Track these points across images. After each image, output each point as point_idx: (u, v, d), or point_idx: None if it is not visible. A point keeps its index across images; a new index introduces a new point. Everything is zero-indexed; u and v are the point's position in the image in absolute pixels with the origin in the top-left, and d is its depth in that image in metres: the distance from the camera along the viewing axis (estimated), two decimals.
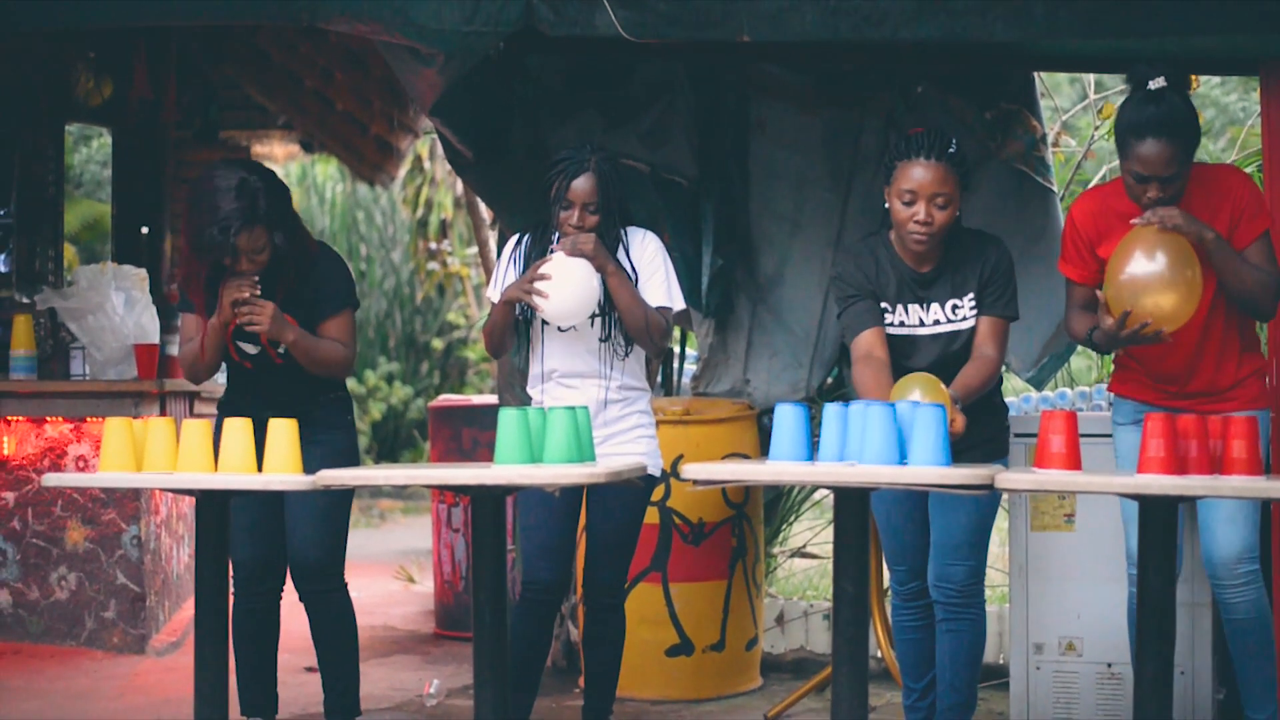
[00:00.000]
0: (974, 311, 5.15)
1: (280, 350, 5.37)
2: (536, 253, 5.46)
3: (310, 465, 5.00)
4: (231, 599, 5.53)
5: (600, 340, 5.40)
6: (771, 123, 6.96)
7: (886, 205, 5.13)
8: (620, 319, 5.36)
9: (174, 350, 8.10)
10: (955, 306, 5.16)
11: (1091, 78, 9.34)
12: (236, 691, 5.52)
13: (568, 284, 5.22)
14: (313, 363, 5.39)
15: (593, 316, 5.36)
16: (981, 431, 5.09)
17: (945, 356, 5.15)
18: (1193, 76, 8.86)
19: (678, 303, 5.47)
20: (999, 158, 6.73)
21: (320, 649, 5.57)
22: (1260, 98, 5.72)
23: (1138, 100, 4.90)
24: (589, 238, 5.27)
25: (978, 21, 5.39)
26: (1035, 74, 6.90)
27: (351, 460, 5.51)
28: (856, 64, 6.73)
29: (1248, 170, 8.28)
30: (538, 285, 5.21)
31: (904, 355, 5.16)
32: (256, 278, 5.27)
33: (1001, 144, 6.72)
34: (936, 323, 5.16)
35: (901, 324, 5.18)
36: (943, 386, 4.81)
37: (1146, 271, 4.79)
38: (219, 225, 5.16)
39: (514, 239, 5.62)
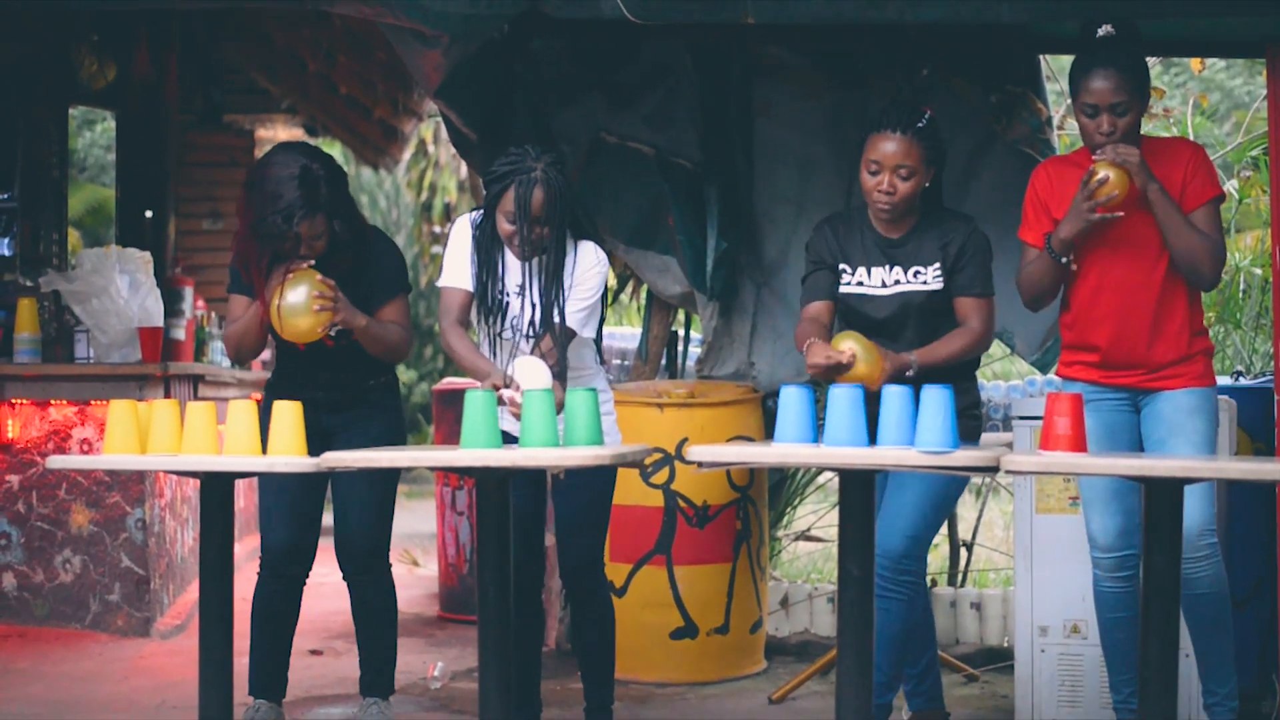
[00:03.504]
0: (937, 278, 5.22)
1: (332, 334, 5.36)
2: (488, 242, 5.30)
3: (360, 447, 5.10)
4: (256, 580, 5.58)
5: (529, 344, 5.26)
6: (776, 105, 6.95)
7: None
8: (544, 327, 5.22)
9: (178, 334, 8.14)
10: (917, 272, 5.24)
11: None
12: (247, 672, 5.53)
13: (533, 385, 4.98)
14: (379, 348, 5.41)
15: (530, 333, 5.25)
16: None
17: (900, 316, 5.23)
18: (1196, 59, 8.89)
19: (586, 330, 5.28)
20: (1004, 140, 6.72)
21: (361, 628, 5.61)
22: (1266, 80, 5.71)
23: (1087, 43, 5.12)
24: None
25: (983, 3, 5.39)
26: (1041, 56, 6.89)
27: (397, 444, 5.54)
28: (861, 46, 6.72)
29: (1253, 153, 8.30)
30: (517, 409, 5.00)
31: (858, 311, 5.27)
32: (313, 260, 5.27)
33: (1007, 126, 6.71)
34: (897, 283, 5.24)
35: (860, 284, 5.28)
36: (873, 346, 4.96)
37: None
38: (282, 214, 5.16)
39: (464, 221, 5.42)
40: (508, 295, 5.29)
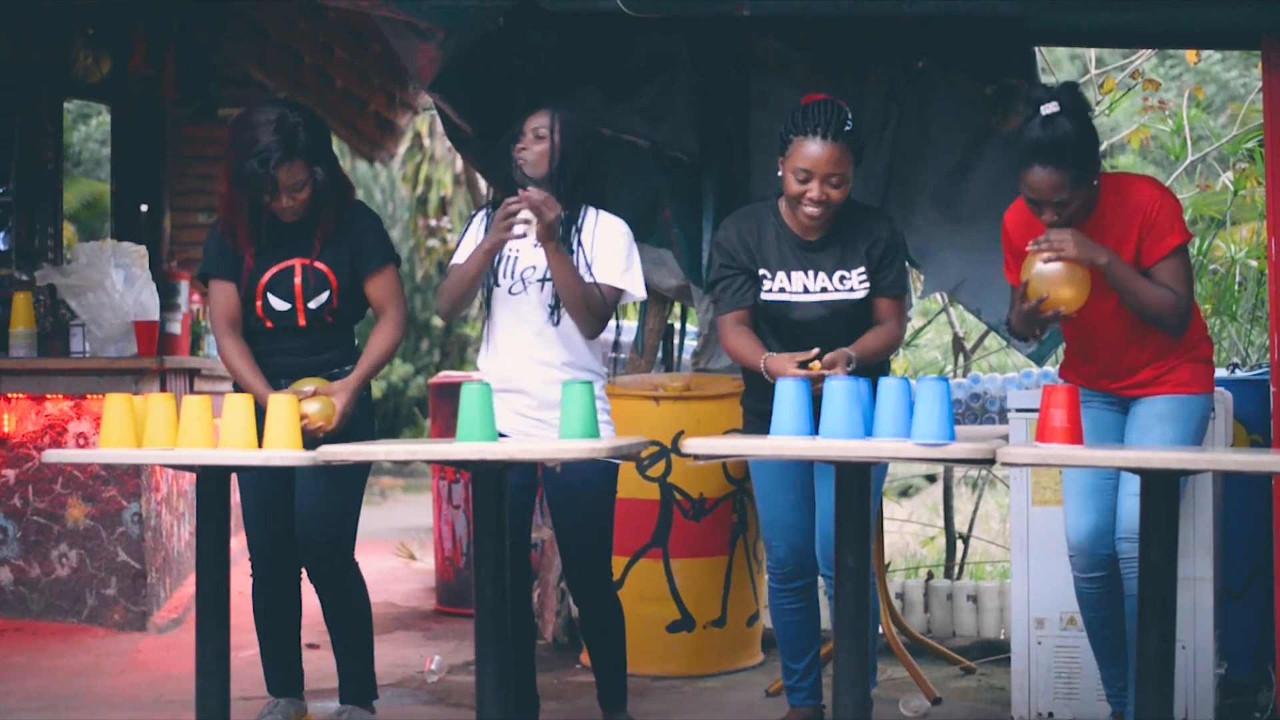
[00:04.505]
0: (863, 283, 5.17)
1: (310, 306, 5.34)
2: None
3: (327, 439, 5.02)
4: (251, 582, 5.53)
5: (549, 306, 5.24)
6: (773, 98, 6.94)
7: (780, 174, 5.13)
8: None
9: (174, 328, 8.12)
10: (843, 277, 5.18)
11: (1092, 53, 9.36)
12: (244, 667, 5.51)
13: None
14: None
15: (543, 280, 5.22)
16: None
17: (829, 324, 5.16)
18: (1192, 51, 8.90)
19: (635, 289, 5.27)
20: (1000, 133, 6.71)
21: (331, 630, 5.50)
22: (1261, 72, 5.71)
23: (1031, 124, 4.83)
24: (544, 212, 5.09)
25: None
26: (1037, 49, 6.89)
27: (367, 435, 5.42)
28: (858, 39, 6.71)
29: (1248, 145, 8.31)
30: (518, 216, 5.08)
31: (783, 320, 5.20)
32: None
33: (1003, 119, 6.71)
34: (823, 290, 5.17)
35: (782, 290, 5.19)
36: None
37: (1045, 270, 4.82)
38: (258, 157, 5.13)
39: (478, 213, 5.50)
40: (515, 251, 5.27)
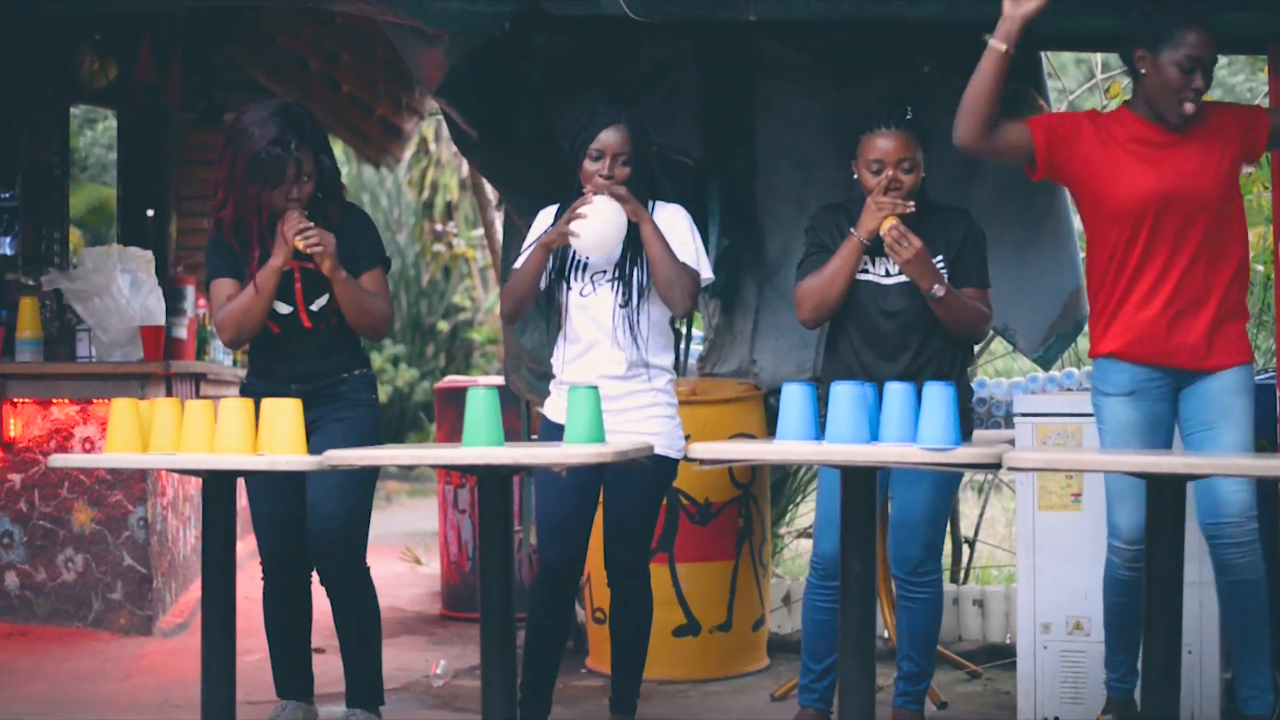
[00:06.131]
0: (942, 269, 5.25)
1: (313, 309, 5.34)
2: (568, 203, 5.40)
3: (333, 443, 5.00)
4: (262, 586, 5.52)
5: (620, 307, 5.34)
6: (778, 103, 6.94)
7: (856, 177, 5.29)
8: (643, 283, 5.33)
9: (180, 333, 8.13)
10: None
11: (1098, 58, 9.33)
12: (255, 672, 5.50)
13: (599, 214, 5.21)
14: (360, 313, 5.32)
15: (613, 281, 5.33)
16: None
17: (911, 311, 5.24)
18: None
19: (705, 271, 5.41)
20: None
21: (340, 633, 5.47)
22: (1268, 77, 5.70)
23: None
24: (621, 187, 5.27)
25: (984, 1, 5.38)
26: (1042, 54, 6.89)
27: (374, 439, 5.42)
28: (862, 44, 6.71)
29: None
30: (572, 223, 5.21)
31: (874, 302, 5.28)
32: (305, 210, 5.25)
33: None
34: (901, 273, 5.24)
35: (866, 271, 5.29)
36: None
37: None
38: (278, 143, 5.16)
39: (546, 211, 5.55)
40: (585, 255, 5.36)
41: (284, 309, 5.34)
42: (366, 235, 5.46)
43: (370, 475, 5.38)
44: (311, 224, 5.20)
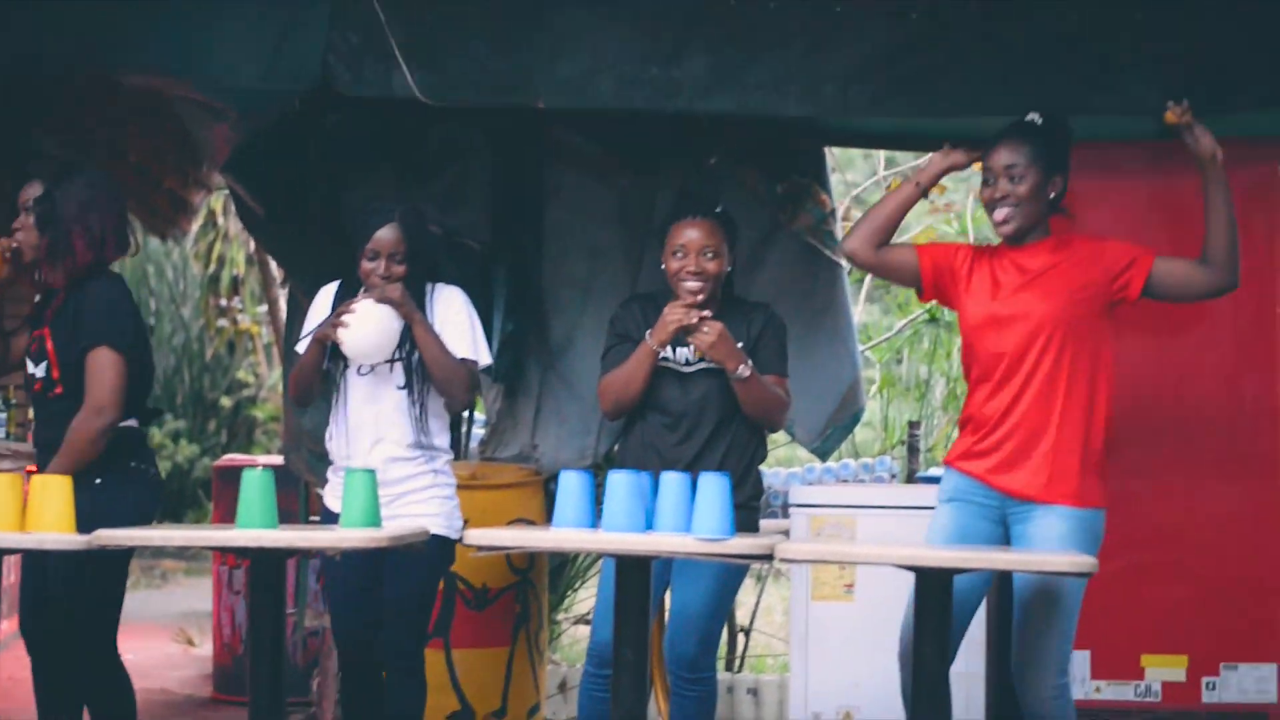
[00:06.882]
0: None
1: (58, 377, 5.21)
2: (347, 295, 5.39)
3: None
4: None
5: (399, 388, 5.32)
6: (567, 190, 6.98)
7: (663, 267, 5.29)
8: (423, 368, 5.30)
9: None
10: None
11: (882, 154, 9.55)
12: None
13: (368, 322, 5.19)
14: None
15: (391, 362, 5.30)
16: (738, 494, 5.11)
17: (713, 395, 5.24)
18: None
19: (482, 356, 5.40)
20: (789, 230, 6.81)
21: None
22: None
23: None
24: (395, 286, 5.24)
25: (772, 97, 5.49)
26: (826, 149, 7.02)
27: (146, 518, 5.18)
28: (653, 134, 6.78)
29: None
30: (342, 319, 5.19)
31: (673, 389, 5.28)
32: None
33: (792, 216, 6.81)
34: (702, 359, 5.25)
35: (667, 360, 5.28)
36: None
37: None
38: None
39: (326, 289, 5.52)
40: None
41: (32, 368, 5.26)
42: (99, 310, 5.27)
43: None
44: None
